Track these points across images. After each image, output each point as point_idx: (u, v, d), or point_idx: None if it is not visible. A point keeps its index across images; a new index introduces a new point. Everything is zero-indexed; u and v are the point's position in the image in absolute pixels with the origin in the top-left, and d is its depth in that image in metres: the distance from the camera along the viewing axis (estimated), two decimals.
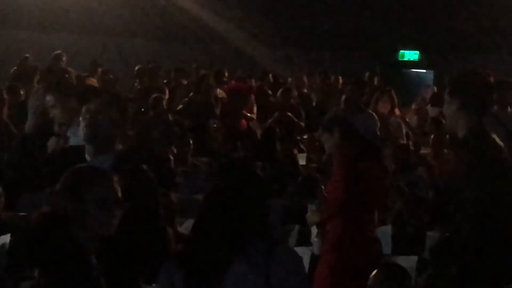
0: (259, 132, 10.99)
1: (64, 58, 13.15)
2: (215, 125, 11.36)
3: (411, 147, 10.08)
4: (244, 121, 11.48)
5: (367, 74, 13.27)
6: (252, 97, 12.07)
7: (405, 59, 19.54)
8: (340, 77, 14.20)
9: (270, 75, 14.15)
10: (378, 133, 9.85)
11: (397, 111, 11.31)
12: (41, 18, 17.42)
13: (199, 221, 3.79)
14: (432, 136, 9.82)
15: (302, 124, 12.19)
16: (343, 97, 10.43)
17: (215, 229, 3.65)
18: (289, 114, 11.84)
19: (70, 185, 3.90)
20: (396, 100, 10.76)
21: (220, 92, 12.56)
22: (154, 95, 11.05)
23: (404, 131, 10.81)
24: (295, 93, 12.92)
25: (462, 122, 4.87)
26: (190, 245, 3.75)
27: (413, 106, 12.88)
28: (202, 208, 3.82)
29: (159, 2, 17.87)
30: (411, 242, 6.76)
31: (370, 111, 10.15)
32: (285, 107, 12.16)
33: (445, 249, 5.10)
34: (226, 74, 13.65)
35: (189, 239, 3.82)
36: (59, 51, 13.26)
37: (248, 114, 11.69)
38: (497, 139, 4.96)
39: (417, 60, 19.39)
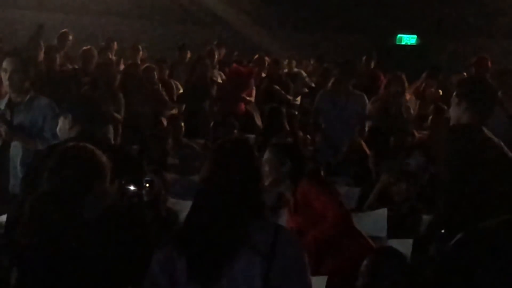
0: (257, 115, 10.99)
1: (70, 37, 13.18)
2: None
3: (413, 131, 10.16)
4: (243, 105, 11.47)
5: (364, 58, 13.26)
6: (252, 80, 12.08)
7: (403, 43, 19.57)
8: None
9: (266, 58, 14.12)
10: (366, 113, 10.04)
11: (407, 95, 11.40)
12: None
13: (197, 204, 3.73)
14: (430, 118, 9.80)
15: (290, 97, 12.22)
16: (332, 78, 10.49)
17: (216, 213, 3.61)
18: (276, 87, 11.95)
19: None
20: (406, 84, 10.85)
21: (218, 74, 12.58)
22: (144, 66, 11.02)
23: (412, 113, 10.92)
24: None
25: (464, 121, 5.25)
26: (191, 230, 3.69)
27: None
28: (199, 191, 3.77)
29: None
30: (406, 226, 6.73)
31: (359, 92, 10.22)
32: (273, 77, 12.24)
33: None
34: (217, 53, 13.69)
35: (189, 224, 3.74)
36: (65, 30, 13.28)
37: (247, 98, 11.68)
38: (494, 139, 5.26)
39: (414, 44, 19.41)
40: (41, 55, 11.33)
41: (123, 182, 4.50)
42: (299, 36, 17.66)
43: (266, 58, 13.78)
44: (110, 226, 4.16)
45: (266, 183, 5.61)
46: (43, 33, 13.24)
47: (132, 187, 4.53)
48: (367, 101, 10.18)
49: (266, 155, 5.80)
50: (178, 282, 3.61)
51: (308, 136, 10.49)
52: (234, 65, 13.10)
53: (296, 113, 11.48)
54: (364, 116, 10.04)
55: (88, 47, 11.49)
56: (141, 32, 16.44)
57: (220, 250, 3.56)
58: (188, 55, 13.87)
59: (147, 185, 5.25)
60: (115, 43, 14.33)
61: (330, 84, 10.43)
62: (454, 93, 5.38)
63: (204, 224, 3.63)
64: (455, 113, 5.33)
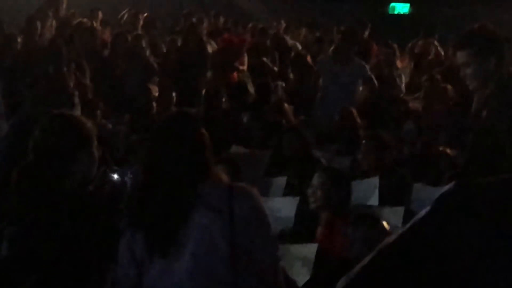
0: (249, 83, 10.97)
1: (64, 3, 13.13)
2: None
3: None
4: (235, 74, 11.42)
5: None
6: (244, 49, 12.05)
7: (396, 12, 19.51)
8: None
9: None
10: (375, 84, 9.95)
11: (399, 63, 11.42)
12: None
13: (146, 180, 3.77)
14: (425, 87, 9.80)
15: (276, 68, 12.18)
16: (333, 46, 10.42)
17: (164, 184, 3.64)
18: (264, 59, 11.92)
19: None
20: (397, 52, 10.85)
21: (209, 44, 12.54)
22: (133, 34, 10.98)
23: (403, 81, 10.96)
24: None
25: (479, 70, 4.79)
26: (142, 205, 3.71)
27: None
28: (145, 167, 3.84)
29: None
30: (397, 194, 6.73)
31: (359, 60, 10.16)
32: (259, 49, 12.20)
33: None
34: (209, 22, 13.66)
35: (139, 199, 3.77)
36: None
37: (240, 67, 11.63)
38: None
39: (407, 13, 19.36)
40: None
41: (107, 170, 4.45)
42: (291, 4, 17.50)
43: None
44: (90, 207, 4.10)
45: (313, 206, 5.71)
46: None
47: (116, 175, 4.49)
48: (368, 70, 10.14)
49: (318, 179, 5.74)
50: (142, 262, 3.60)
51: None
52: (226, 34, 13.04)
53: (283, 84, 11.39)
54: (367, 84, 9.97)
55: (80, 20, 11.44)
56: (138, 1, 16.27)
57: (173, 217, 3.55)
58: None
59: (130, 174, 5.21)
60: (99, 12, 14.11)
61: (330, 51, 10.38)
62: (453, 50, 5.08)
63: (154, 196, 3.64)
64: (465, 67, 4.87)
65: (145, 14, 13.49)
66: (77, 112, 8.87)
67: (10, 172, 4.08)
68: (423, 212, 1.79)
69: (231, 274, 3.48)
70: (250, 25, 14.20)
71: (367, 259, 1.86)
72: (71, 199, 3.97)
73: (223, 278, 3.49)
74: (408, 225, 1.81)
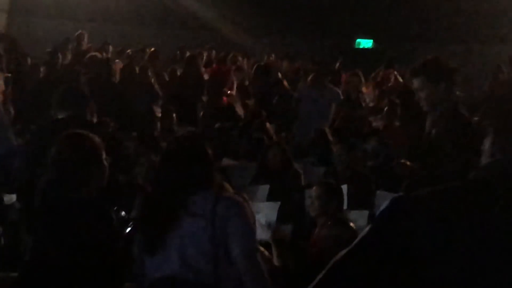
0: (238, 106, 10.97)
1: (85, 38, 13.13)
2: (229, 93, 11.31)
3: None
4: (224, 98, 11.38)
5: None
6: (232, 76, 12.04)
7: (361, 46, 19.61)
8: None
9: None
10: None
11: (364, 89, 11.48)
12: (51, 7, 17.28)
13: (153, 189, 3.96)
14: (386, 109, 9.78)
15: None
16: (311, 75, 10.48)
17: (165, 192, 3.74)
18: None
19: None
20: (363, 79, 10.97)
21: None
22: (140, 66, 10.94)
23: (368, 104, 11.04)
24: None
25: (431, 94, 4.81)
26: (146, 209, 3.87)
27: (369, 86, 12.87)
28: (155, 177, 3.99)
29: None
30: (363, 199, 6.67)
31: (333, 87, 10.23)
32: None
33: None
34: (206, 54, 13.68)
35: (144, 203, 3.93)
36: (82, 32, 13.20)
37: (229, 92, 11.59)
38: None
39: (371, 47, 19.47)
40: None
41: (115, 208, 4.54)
42: (276, 40, 17.56)
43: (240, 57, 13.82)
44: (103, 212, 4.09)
45: (312, 214, 5.71)
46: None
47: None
48: (340, 96, 10.18)
49: (315, 192, 5.72)
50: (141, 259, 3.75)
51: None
52: (215, 65, 13.08)
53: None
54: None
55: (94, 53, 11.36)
56: (140, 37, 16.32)
57: (163, 220, 3.66)
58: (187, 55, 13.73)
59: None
60: (110, 46, 14.15)
61: (309, 79, 10.43)
62: (409, 76, 5.15)
63: (156, 201, 3.78)
64: (421, 90, 4.91)
65: (152, 49, 13.50)
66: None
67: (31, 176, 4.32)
68: (366, 230, 1.81)
69: (211, 265, 3.55)
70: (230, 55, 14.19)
71: (322, 274, 1.87)
72: (88, 204, 3.96)
73: (204, 268, 3.56)
74: (357, 240, 1.81)
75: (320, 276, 1.86)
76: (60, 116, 5.48)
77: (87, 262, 3.83)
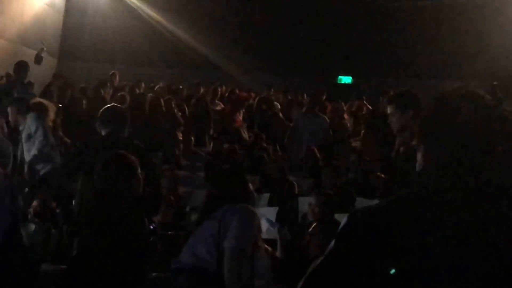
0: (243, 130, 10.96)
1: (117, 77, 13.17)
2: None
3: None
4: (237, 121, 11.36)
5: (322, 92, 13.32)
6: (245, 103, 12.06)
7: (342, 82, 19.63)
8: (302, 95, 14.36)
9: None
10: (330, 131, 10.05)
11: (345, 116, 11.48)
12: (92, 52, 17.35)
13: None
14: (362, 132, 9.80)
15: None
16: (305, 106, 10.51)
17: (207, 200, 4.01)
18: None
19: None
20: (345, 108, 10.98)
21: (217, 104, 12.52)
22: (165, 98, 10.99)
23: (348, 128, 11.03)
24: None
25: (400, 118, 4.71)
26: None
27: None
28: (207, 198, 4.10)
29: (172, 40, 17.73)
30: (345, 204, 6.72)
31: (322, 115, 10.25)
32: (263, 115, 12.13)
33: None
34: (220, 90, 13.68)
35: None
36: (114, 72, 13.23)
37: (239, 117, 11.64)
38: None
39: (350, 83, 19.48)
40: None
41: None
42: (272, 78, 17.57)
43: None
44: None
45: (311, 219, 5.67)
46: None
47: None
48: (328, 122, 10.22)
49: (316, 200, 5.72)
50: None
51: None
52: (238, 92, 12.96)
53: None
54: (329, 134, 10.07)
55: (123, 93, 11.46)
56: (164, 75, 16.36)
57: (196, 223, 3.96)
58: (201, 90, 13.68)
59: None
60: (142, 83, 14.25)
61: (304, 108, 10.46)
62: (393, 105, 4.82)
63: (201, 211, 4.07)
64: (403, 120, 4.73)
65: (174, 87, 13.58)
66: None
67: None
68: (331, 244, 1.72)
69: (210, 255, 3.63)
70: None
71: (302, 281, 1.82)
72: (127, 210, 3.99)
73: (205, 257, 3.66)
74: (326, 252, 1.74)
75: (301, 282, 1.83)
76: (103, 133, 5.37)
77: (125, 256, 3.86)
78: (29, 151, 6.91)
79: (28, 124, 6.95)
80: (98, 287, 3.81)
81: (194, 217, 6.05)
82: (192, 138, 10.05)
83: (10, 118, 7.38)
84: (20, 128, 7.11)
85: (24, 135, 7.00)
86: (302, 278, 1.87)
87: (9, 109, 7.37)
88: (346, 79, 19.59)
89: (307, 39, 18.43)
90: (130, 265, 3.87)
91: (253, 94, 13.86)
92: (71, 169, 5.20)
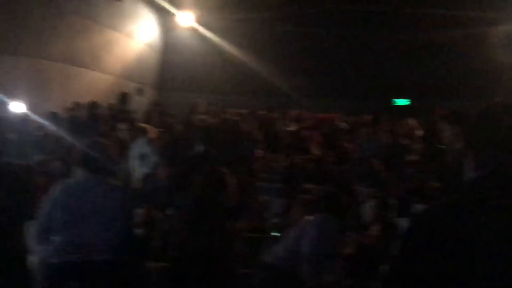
0: (314, 147, 10.90)
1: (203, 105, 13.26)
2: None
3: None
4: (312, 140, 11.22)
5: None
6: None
7: (397, 104, 18.93)
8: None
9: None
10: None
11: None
12: (185, 83, 17.71)
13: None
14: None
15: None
16: (368, 127, 10.48)
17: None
18: None
19: None
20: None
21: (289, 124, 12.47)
22: (246, 122, 11.03)
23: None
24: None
25: (449, 134, 4.64)
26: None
27: None
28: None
29: (248, 71, 17.60)
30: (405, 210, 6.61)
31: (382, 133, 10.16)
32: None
33: None
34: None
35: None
36: (196, 102, 13.39)
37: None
38: None
39: (409, 104, 18.70)
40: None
41: None
42: (331, 104, 16.75)
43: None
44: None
45: (369, 219, 5.63)
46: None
47: None
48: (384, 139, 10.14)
49: (375, 203, 5.77)
50: None
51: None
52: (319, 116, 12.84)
53: None
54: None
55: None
56: (240, 101, 16.29)
57: None
58: (275, 115, 13.57)
59: None
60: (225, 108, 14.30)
61: (366, 129, 10.47)
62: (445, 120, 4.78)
63: None
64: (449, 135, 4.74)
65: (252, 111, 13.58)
66: None
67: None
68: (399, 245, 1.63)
69: (289, 257, 3.73)
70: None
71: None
72: (221, 215, 4.10)
73: (284, 258, 3.76)
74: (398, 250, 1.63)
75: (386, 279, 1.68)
76: (198, 151, 5.44)
77: (216, 253, 3.98)
78: (140, 167, 7.12)
79: (139, 145, 7.17)
80: (196, 282, 3.90)
81: (274, 221, 6.07)
82: (268, 155, 10.10)
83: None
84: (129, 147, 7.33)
85: (135, 154, 7.19)
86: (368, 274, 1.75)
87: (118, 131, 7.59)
88: (404, 102, 18.89)
89: (362, 64, 17.87)
90: (221, 261, 3.97)
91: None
92: (177, 181, 5.32)
